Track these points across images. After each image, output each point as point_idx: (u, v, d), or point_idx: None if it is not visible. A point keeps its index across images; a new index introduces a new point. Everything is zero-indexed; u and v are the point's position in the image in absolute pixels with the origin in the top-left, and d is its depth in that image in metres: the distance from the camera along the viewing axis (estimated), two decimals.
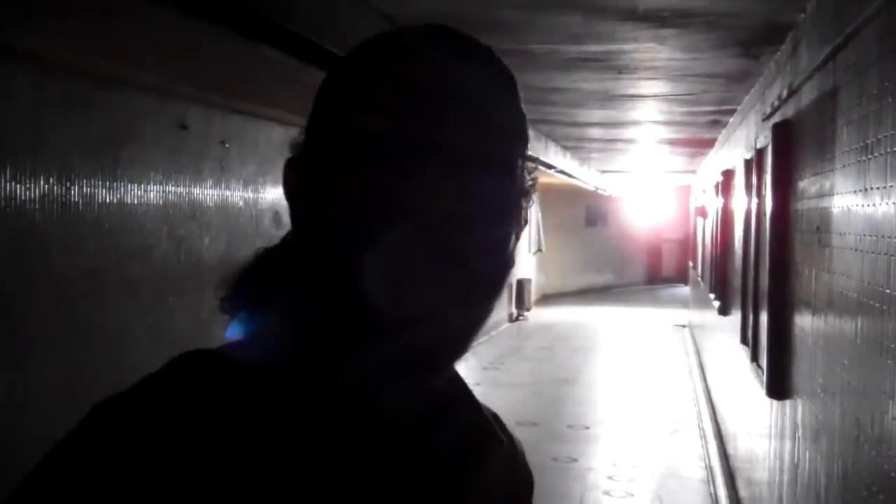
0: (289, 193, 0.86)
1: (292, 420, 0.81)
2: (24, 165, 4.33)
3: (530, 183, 0.88)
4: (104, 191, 4.97)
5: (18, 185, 4.28)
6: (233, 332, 0.86)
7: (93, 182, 4.86)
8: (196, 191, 5.93)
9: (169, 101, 5.55)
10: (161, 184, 5.51)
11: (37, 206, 4.42)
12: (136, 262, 5.25)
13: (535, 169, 0.90)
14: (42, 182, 4.45)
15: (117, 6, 3.42)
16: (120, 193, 5.11)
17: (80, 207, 4.76)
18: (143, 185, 5.32)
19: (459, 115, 0.79)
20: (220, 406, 0.81)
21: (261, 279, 0.88)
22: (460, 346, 0.85)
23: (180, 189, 5.74)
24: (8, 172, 4.20)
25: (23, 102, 4.32)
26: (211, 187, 6.11)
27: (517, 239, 0.86)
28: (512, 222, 0.84)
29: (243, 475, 0.78)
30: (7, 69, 4.19)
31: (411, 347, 0.79)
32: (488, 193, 0.80)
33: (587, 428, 9.65)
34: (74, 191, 4.71)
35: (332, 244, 0.80)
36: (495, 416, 1.02)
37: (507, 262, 0.85)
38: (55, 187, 4.55)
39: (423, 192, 0.77)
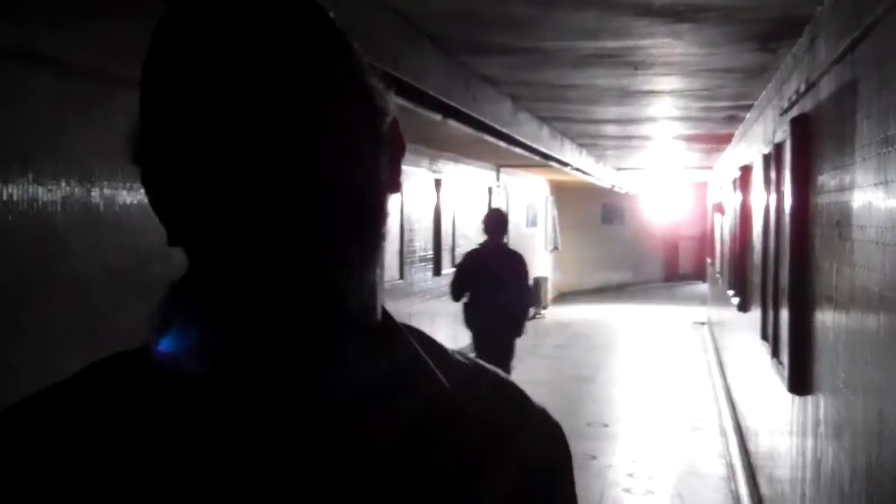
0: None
1: (211, 430, 0.77)
2: (46, 167, 4.36)
3: (381, 105, 0.84)
4: (125, 192, 5.00)
5: (40, 187, 4.32)
6: (165, 346, 0.84)
7: (113, 184, 4.90)
8: None
9: None
10: None
11: (58, 208, 4.46)
12: (156, 264, 5.27)
13: (388, 92, 0.85)
14: (63, 184, 4.48)
15: (138, 9, 3.45)
16: (140, 195, 5.13)
17: (101, 209, 4.79)
18: None
19: (271, 75, 0.76)
20: (133, 415, 0.78)
21: (184, 292, 0.86)
22: (351, 286, 0.81)
23: None
24: (30, 174, 4.24)
25: (45, 105, 4.35)
26: None
27: (380, 218, 0.83)
28: (365, 166, 0.81)
29: (149, 486, 0.75)
30: (29, 72, 4.22)
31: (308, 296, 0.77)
32: (339, 173, 0.78)
33: (606, 425, 9.64)
34: (95, 193, 4.75)
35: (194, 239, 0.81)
36: (499, 383, 0.96)
37: (370, 199, 0.81)
38: (76, 189, 4.59)
39: (257, 157, 0.75)
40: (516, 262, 8.33)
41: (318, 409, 0.78)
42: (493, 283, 8.01)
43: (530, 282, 8.59)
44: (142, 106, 0.83)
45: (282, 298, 0.77)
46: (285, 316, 0.77)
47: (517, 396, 0.96)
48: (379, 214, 0.83)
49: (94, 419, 0.78)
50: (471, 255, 8.60)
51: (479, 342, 8.37)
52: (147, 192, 0.84)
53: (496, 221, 8.46)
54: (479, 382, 0.93)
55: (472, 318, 8.35)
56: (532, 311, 9.80)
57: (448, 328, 12.63)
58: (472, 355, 0.98)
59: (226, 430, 0.77)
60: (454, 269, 8.97)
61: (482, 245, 8.51)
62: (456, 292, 8.35)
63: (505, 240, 8.67)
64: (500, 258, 8.26)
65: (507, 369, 7.81)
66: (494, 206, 11.53)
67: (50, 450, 0.76)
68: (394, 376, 0.83)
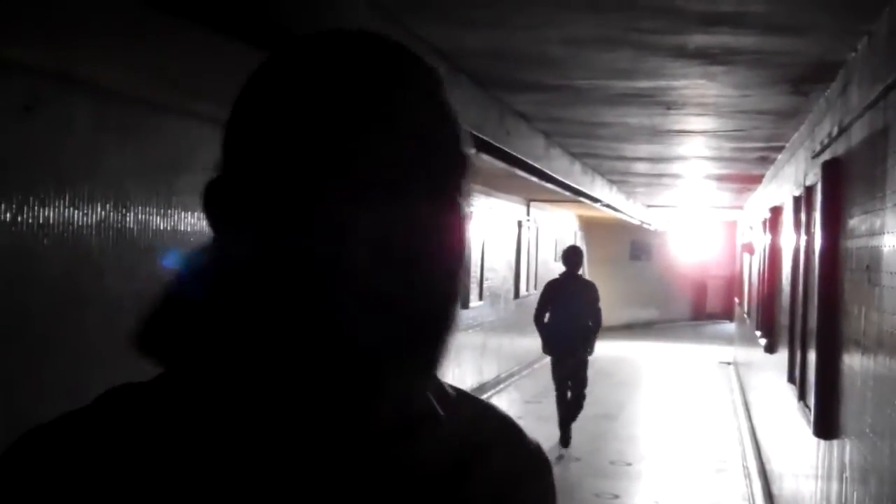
0: (211, 217, 0.84)
1: (224, 465, 0.77)
2: (83, 191, 4.44)
3: (467, 188, 0.82)
4: (158, 217, 5.08)
5: (76, 211, 4.39)
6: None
7: (147, 209, 4.97)
8: None
9: (222, 130, 5.66)
10: None
11: (93, 231, 4.53)
12: None
13: (470, 175, 0.83)
14: (99, 208, 4.56)
15: (177, 37, 3.52)
16: (174, 220, 5.21)
17: (135, 233, 4.87)
18: (196, 213, 5.42)
19: (382, 135, 0.76)
20: (149, 441, 0.78)
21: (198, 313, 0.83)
22: (414, 376, 0.81)
23: None
24: (67, 197, 4.32)
25: (83, 129, 4.44)
26: None
27: (459, 261, 0.81)
28: (449, 247, 0.79)
29: None
30: (68, 97, 4.31)
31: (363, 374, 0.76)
32: (416, 206, 0.76)
33: (629, 464, 9.56)
34: (130, 217, 4.82)
35: (261, 276, 0.77)
36: (502, 420, 0.94)
37: (451, 279, 0.80)
38: (111, 213, 4.66)
39: (344, 210, 0.74)
40: (589, 290, 9.84)
41: (344, 439, 0.79)
42: (569, 307, 9.53)
43: (600, 305, 9.97)
44: (236, 142, 0.82)
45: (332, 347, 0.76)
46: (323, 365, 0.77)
47: (512, 431, 0.94)
48: (456, 288, 0.82)
49: (112, 445, 0.78)
50: (550, 284, 10.13)
51: (556, 359, 9.75)
52: (215, 216, 0.84)
53: (572, 255, 10.04)
54: (482, 418, 0.93)
55: (549, 338, 9.77)
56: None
57: (473, 361, 12.63)
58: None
59: (242, 460, 0.77)
60: (539, 295, 10.22)
61: (560, 275, 10.09)
62: (538, 315, 9.82)
63: (581, 271, 10.02)
64: (575, 286, 9.77)
65: (584, 380, 9.80)
66: (572, 243, 12.57)
67: (67, 475, 0.77)
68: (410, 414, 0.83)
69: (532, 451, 0.94)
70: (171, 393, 0.81)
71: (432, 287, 0.78)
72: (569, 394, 9.83)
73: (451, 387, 0.92)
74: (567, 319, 9.59)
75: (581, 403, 9.90)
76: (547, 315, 9.86)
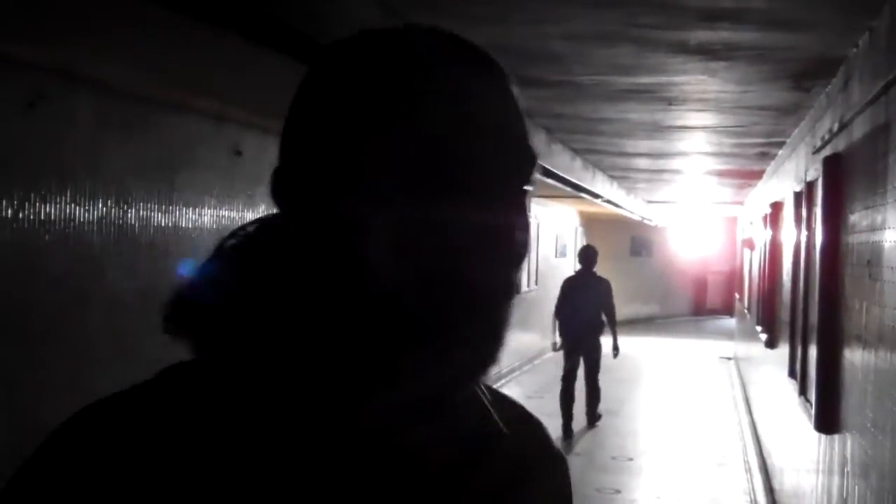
0: (280, 202, 0.84)
1: (279, 451, 0.78)
2: (84, 188, 4.44)
3: (532, 185, 0.83)
4: (160, 214, 5.08)
5: (78, 207, 4.39)
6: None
7: (149, 205, 4.98)
8: (249, 216, 6.03)
9: (224, 126, 5.67)
10: (215, 208, 5.62)
11: (94, 228, 4.53)
12: None
13: (535, 172, 0.84)
14: (100, 204, 4.56)
15: (178, 33, 3.52)
16: (175, 217, 5.22)
17: (136, 230, 4.87)
18: (197, 210, 5.43)
19: (452, 128, 0.76)
20: (201, 429, 0.78)
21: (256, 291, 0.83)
22: (477, 364, 0.82)
23: (234, 214, 5.84)
24: (68, 194, 4.32)
25: (84, 126, 4.44)
26: (264, 212, 6.20)
27: (522, 258, 0.81)
28: (514, 240, 0.80)
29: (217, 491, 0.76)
30: (70, 93, 4.31)
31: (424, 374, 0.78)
32: (489, 205, 0.77)
33: (631, 459, 9.58)
34: (131, 214, 4.82)
35: (332, 266, 0.78)
36: (524, 417, 0.96)
37: (509, 280, 0.81)
38: (113, 210, 4.66)
39: (420, 207, 0.75)
40: (602, 286, 10.84)
41: (378, 422, 0.80)
42: (584, 301, 10.56)
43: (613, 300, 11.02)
44: (299, 131, 0.84)
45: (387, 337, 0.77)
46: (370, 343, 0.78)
47: (541, 433, 0.97)
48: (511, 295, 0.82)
49: (168, 423, 0.79)
50: (568, 280, 11.27)
51: (570, 346, 10.73)
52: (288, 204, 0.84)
53: (588, 253, 11.09)
54: (513, 417, 0.94)
55: (565, 327, 10.83)
56: (558, 342, 11.01)
57: None
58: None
59: (292, 438, 0.78)
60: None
61: (577, 272, 11.29)
62: (558, 309, 10.95)
63: (594, 268, 10.96)
64: (590, 282, 10.82)
65: (597, 364, 10.79)
66: (587, 243, 13.20)
67: (123, 451, 0.77)
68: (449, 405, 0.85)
69: (554, 451, 0.96)
70: (221, 373, 0.82)
71: (490, 281, 0.78)
72: (582, 391, 10.68)
73: (486, 385, 0.93)
74: (581, 312, 10.54)
75: (597, 387, 10.86)
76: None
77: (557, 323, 11.04)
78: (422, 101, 0.77)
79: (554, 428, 9.63)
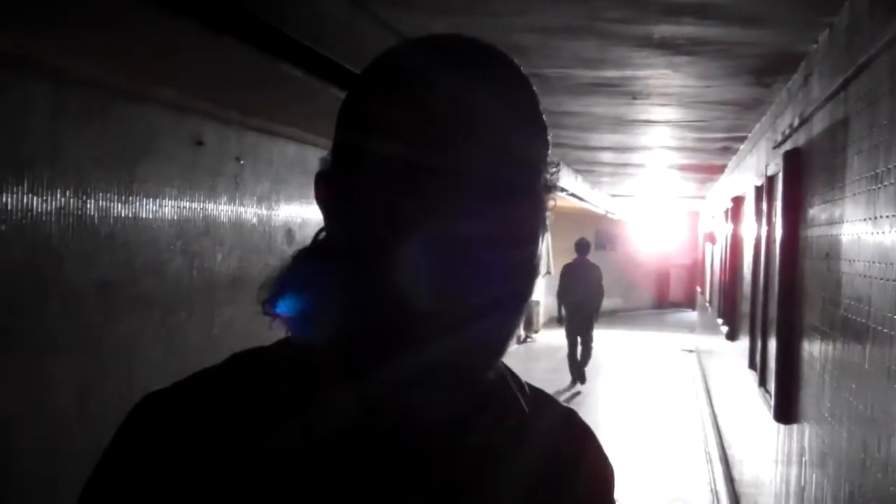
0: (320, 204, 0.90)
1: (327, 427, 0.83)
2: (42, 177, 4.38)
3: (552, 185, 0.89)
4: (119, 205, 5.02)
5: (35, 197, 4.33)
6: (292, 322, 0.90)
7: (108, 196, 4.91)
8: (210, 207, 5.98)
9: (185, 116, 5.61)
10: (175, 199, 5.56)
11: (53, 219, 4.47)
12: (149, 277, 5.29)
13: (557, 181, 0.90)
14: (59, 194, 4.50)
15: (137, 20, 3.48)
16: (135, 208, 5.16)
17: (96, 221, 4.81)
18: (157, 200, 5.37)
19: (472, 138, 0.79)
20: (259, 409, 0.84)
21: (304, 277, 0.90)
22: (490, 354, 0.86)
23: (194, 205, 5.79)
24: (26, 184, 4.25)
25: (41, 115, 4.37)
26: (225, 203, 6.16)
27: (536, 252, 0.86)
28: (531, 239, 0.85)
29: (271, 478, 0.81)
30: (26, 82, 4.25)
31: (444, 354, 0.81)
32: (505, 213, 0.81)
33: None
34: (90, 204, 4.76)
35: (356, 259, 0.82)
36: (545, 397, 1.02)
37: (528, 277, 0.85)
38: (71, 200, 4.60)
39: (437, 214, 0.78)
40: (594, 270, 13.95)
41: (415, 403, 0.84)
42: (579, 283, 13.65)
43: (603, 281, 14.17)
44: (341, 139, 0.88)
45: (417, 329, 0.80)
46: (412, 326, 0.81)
47: (581, 429, 1.04)
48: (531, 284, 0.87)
49: (229, 407, 0.84)
50: (566, 266, 14.18)
51: (569, 317, 13.80)
52: (324, 209, 0.89)
53: (583, 245, 14.14)
54: (550, 411, 1.00)
55: (566, 304, 13.85)
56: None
57: None
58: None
59: (337, 438, 0.83)
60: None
61: (574, 260, 14.10)
62: (560, 290, 13.92)
63: (588, 256, 14.01)
64: (584, 268, 13.86)
65: (590, 333, 13.88)
66: (583, 236, 15.65)
67: (187, 433, 0.82)
68: (483, 392, 0.90)
69: (598, 449, 1.05)
70: (280, 358, 0.88)
71: (504, 277, 0.82)
72: (579, 350, 13.72)
73: (528, 385, 1.00)
74: (578, 291, 13.62)
75: (590, 348, 13.90)
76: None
77: (560, 302, 13.97)
78: (430, 111, 0.80)
79: None
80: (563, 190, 12.72)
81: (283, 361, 0.87)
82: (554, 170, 0.89)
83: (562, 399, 11.31)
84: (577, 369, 13.56)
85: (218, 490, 0.80)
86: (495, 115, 0.81)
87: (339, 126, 0.88)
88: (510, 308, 0.84)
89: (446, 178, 0.78)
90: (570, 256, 14.28)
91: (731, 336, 8.94)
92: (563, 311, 13.92)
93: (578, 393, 12.99)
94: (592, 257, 15.03)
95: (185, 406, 0.84)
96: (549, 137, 0.89)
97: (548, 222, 0.90)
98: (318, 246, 0.91)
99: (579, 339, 13.63)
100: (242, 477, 0.81)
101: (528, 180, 0.84)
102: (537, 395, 0.99)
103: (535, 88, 0.89)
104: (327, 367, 0.85)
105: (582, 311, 13.63)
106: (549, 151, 0.89)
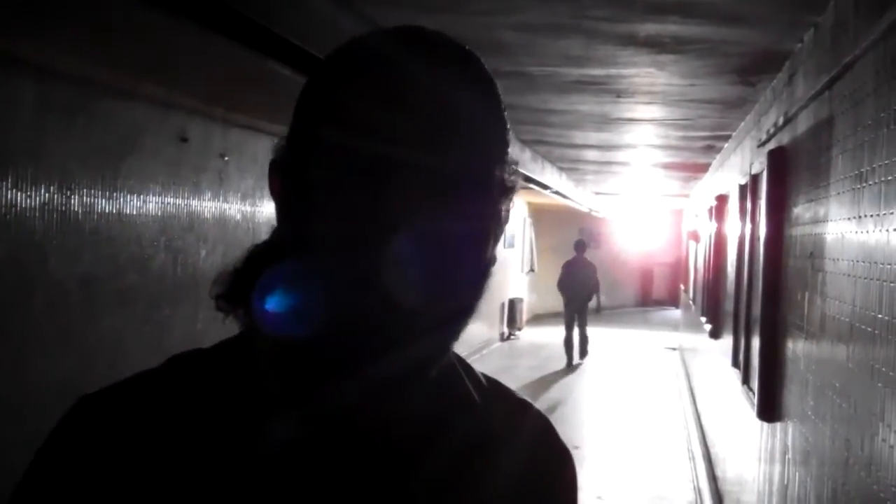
0: (273, 196, 0.88)
1: (264, 433, 0.82)
2: (26, 173, 4.36)
3: (511, 185, 0.87)
4: (104, 201, 5.00)
5: (20, 193, 4.31)
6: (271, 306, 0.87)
7: (93, 192, 4.90)
8: (194, 203, 5.96)
9: (170, 113, 5.60)
10: (160, 195, 5.55)
11: (37, 214, 4.45)
12: (133, 273, 5.27)
13: (517, 171, 0.89)
14: (43, 190, 4.48)
15: (122, 17, 3.47)
16: (119, 204, 5.14)
17: (80, 217, 4.79)
18: (142, 196, 5.35)
19: (432, 128, 0.79)
20: (196, 413, 0.83)
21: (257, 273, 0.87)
22: (441, 346, 0.86)
23: (179, 201, 5.77)
24: (10, 179, 4.23)
25: (26, 111, 4.35)
26: (209, 200, 6.15)
27: (495, 242, 0.86)
28: (489, 228, 0.84)
29: (202, 484, 0.80)
30: (12, 77, 4.23)
31: (394, 353, 0.80)
32: (462, 203, 0.80)
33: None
34: (74, 200, 4.74)
35: (311, 251, 0.80)
36: (496, 385, 1.00)
37: (485, 267, 0.85)
38: (55, 196, 4.58)
39: (396, 204, 0.77)
40: (591, 267, 16.35)
41: (373, 387, 0.82)
42: (577, 276, 16.12)
43: (598, 277, 16.58)
44: (300, 129, 0.86)
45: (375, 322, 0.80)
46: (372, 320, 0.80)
47: (540, 420, 1.02)
48: (482, 289, 0.87)
49: (165, 410, 0.83)
50: (567, 263, 16.50)
51: (567, 307, 15.91)
52: (278, 200, 0.88)
53: (580, 244, 16.54)
54: (506, 402, 0.99)
55: (566, 294, 16.08)
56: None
57: None
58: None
59: (273, 413, 0.82)
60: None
61: (573, 257, 16.39)
62: (560, 283, 16.25)
63: (585, 254, 16.51)
64: (581, 263, 16.27)
65: (585, 321, 16.06)
66: (579, 238, 18.20)
67: (120, 436, 0.81)
68: (437, 383, 0.89)
69: (560, 445, 1.01)
70: (226, 355, 0.87)
71: (462, 272, 0.82)
72: (576, 339, 15.76)
73: (485, 376, 0.99)
74: (576, 283, 15.99)
75: (586, 335, 16.03)
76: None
77: (561, 293, 16.16)
78: (392, 101, 0.79)
79: None
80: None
81: (223, 364, 0.86)
82: (513, 168, 0.88)
83: (559, 379, 11.38)
84: (581, 347, 15.85)
85: (147, 495, 0.79)
86: (457, 108, 0.81)
87: (297, 113, 0.86)
88: (460, 306, 0.85)
89: (404, 171, 0.77)
90: (554, 254, 14.89)
91: (715, 334, 8.98)
92: (564, 297, 16.20)
93: (579, 364, 15.49)
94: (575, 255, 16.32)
95: (120, 409, 0.83)
96: (510, 137, 0.89)
97: (506, 221, 0.89)
98: (273, 241, 0.90)
99: (576, 325, 15.74)
100: (173, 483, 0.79)
101: (484, 177, 0.83)
102: (493, 385, 0.99)
103: (498, 87, 0.88)
104: (268, 371, 0.84)
105: (578, 298, 15.95)
106: (510, 149, 0.88)
